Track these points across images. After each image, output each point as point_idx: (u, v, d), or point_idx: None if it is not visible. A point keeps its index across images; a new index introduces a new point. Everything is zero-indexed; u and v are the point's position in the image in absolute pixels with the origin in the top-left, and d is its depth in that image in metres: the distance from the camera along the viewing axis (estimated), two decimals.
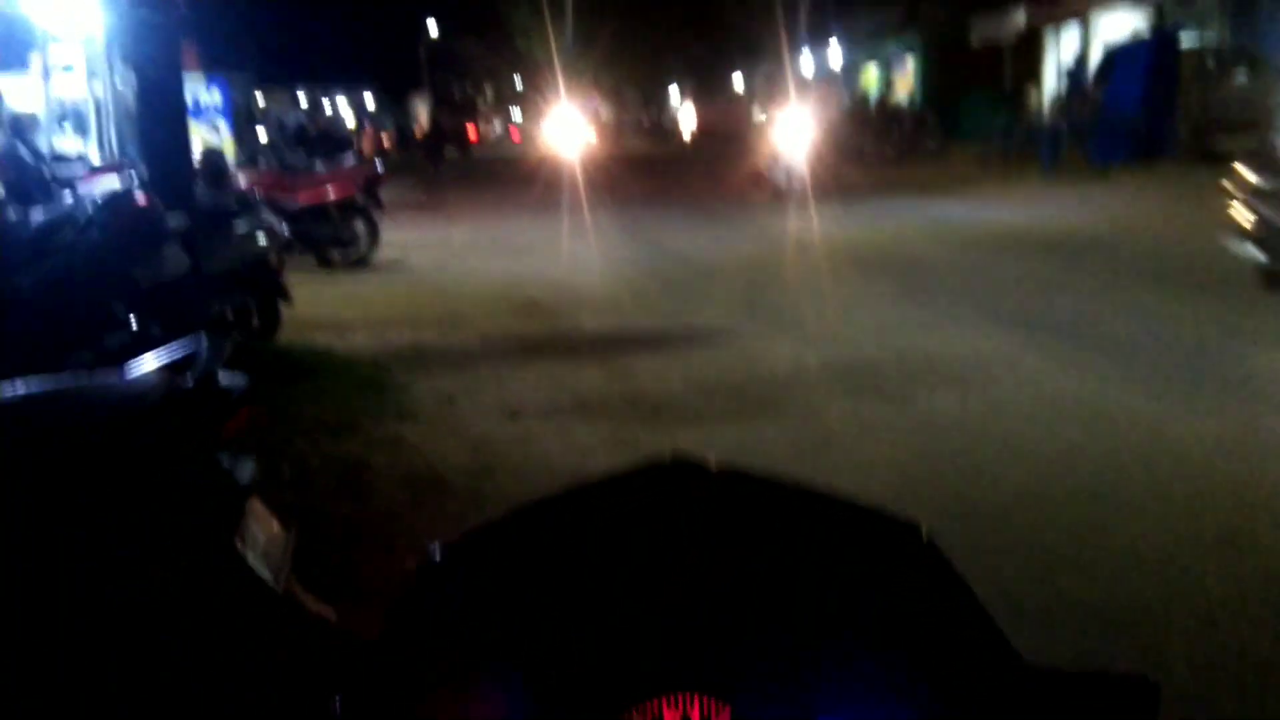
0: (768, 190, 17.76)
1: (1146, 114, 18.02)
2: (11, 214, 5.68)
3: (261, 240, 7.04)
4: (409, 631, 0.66)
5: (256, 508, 2.62)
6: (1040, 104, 23.14)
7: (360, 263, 11.93)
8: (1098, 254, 10.96)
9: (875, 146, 26.74)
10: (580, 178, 21.69)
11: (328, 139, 26.27)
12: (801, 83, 36.14)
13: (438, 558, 0.68)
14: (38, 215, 5.92)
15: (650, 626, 0.65)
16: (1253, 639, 3.22)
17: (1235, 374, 6.19)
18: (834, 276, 10.45)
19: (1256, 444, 5.03)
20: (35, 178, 8.45)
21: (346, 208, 11.95)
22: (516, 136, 52.89)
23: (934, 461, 5.00)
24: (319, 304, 9.15)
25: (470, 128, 45.05)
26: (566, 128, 33.67)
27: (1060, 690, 0.64)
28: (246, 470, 2.63)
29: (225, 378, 2.61)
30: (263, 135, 24.49)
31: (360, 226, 12.03)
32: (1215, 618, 3.38)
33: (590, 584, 0.67)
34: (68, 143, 13.99)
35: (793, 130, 17.85)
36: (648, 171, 27.50)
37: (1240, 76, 18.05)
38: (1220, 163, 16.37)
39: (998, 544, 3.95)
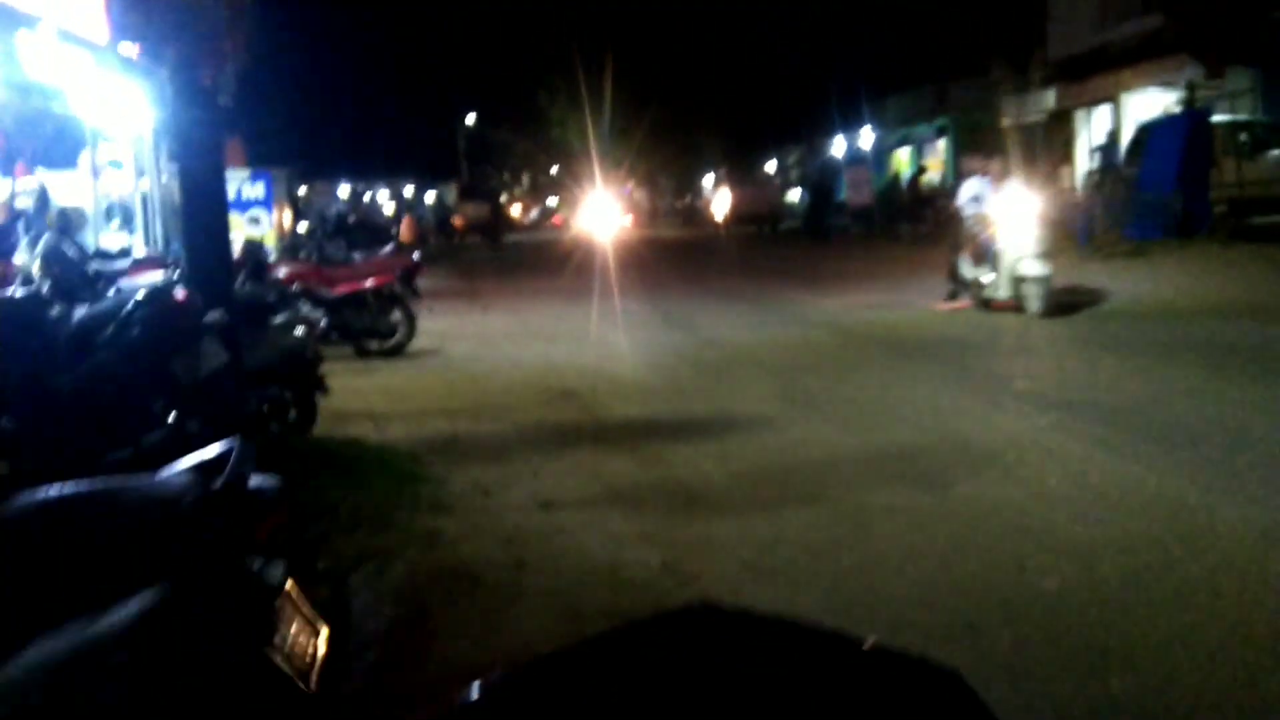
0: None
1: (1181, 191, 17.98)
2: (55, 311, 5.79)
3: (299, 333, 7.13)
4: None
5: (288, 608, 2.61)
6: (1073, 182, 23.19)
7: (397, 351, 12.04)
8: (1138, 330, 10.86)
9: (909, 225, 26.88)
10: (613, 262, 21.90)
11: (366, 228, 26.77)
12: (833, 164, 36.48)
13: (474, 697, 0.67)
14: (80, 311, 6.03)
15: None
16: None
17: (1273, 455, 6.07)
18: (869, 361, 10.41)
19: None
20: (79, 274, 8.64)
21: (384, 297, 12.11)
22: (558, 221, 53.83)
23: (978, 554, 4.90)
24: (355, 394, 9.22)
25: (512, 212, 46.29)
26: (601, 213, 34.10)
27: None
28: (278, 573, 2.63)
29: (257, 479, 2.62)
30: (303, 226, 25.00)
31: (397, 315, 12.17)
32: (1269, 713, 3.26)
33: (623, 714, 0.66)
34: (114, 238, 14.31)
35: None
36: (680, 255, 27.73)
37: (1275, 152, 18.01)
38: (1256, 239, 16.35)
39: (1041, 649, 3.85)
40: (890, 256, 22.23)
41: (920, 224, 26.63)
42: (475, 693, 0.68)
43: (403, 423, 8.41)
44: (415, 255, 15.17)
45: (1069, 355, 10.03)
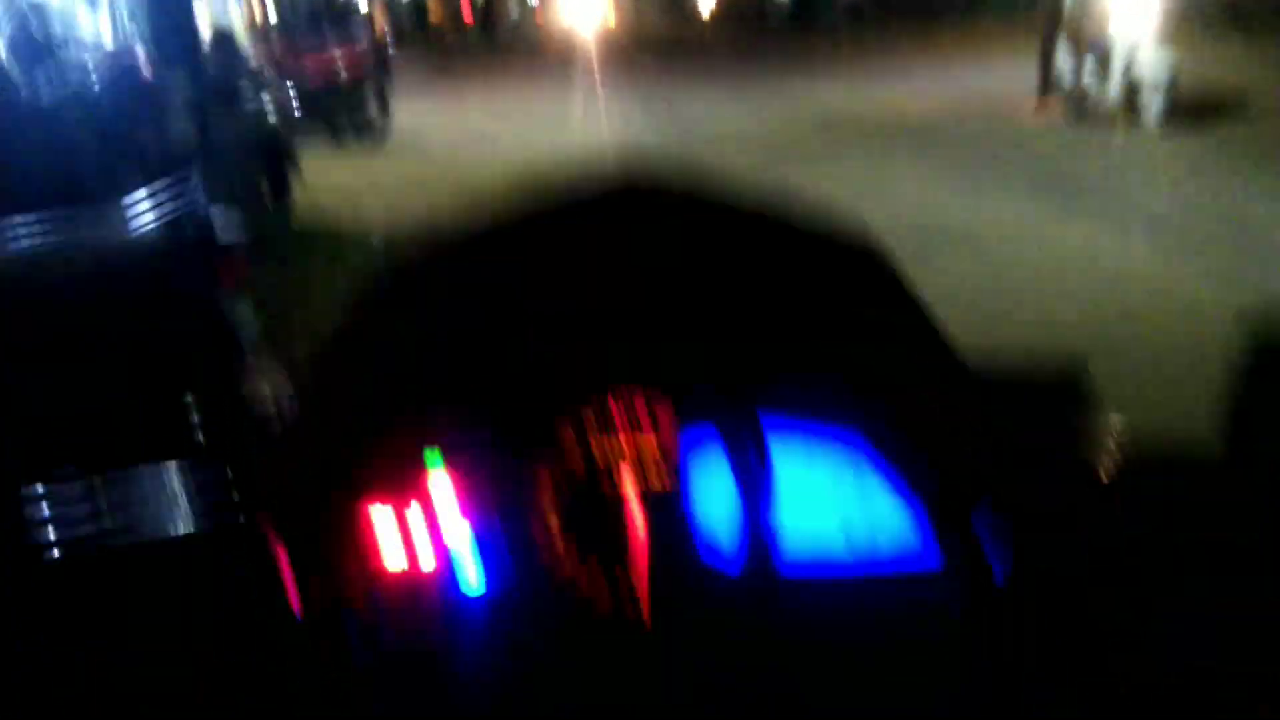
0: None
1: None
2: (23, 93, 5.61)
3: (271, 115, 6.97)
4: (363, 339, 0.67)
5: (263, 364, 2.65)
6: None
7: (372, 139, 11.83)
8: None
9: (897, 16, 26.04)
10: (595, 56, 21.28)
11: (341, 17, 25.76)
12: None
13: (390, 269, 0.68)
14: (48, 93, 5.86)
15: (603, 329, 0.66)
16: None
17: (1257, 241, 6.11)
18: (854, 147, 10.29)
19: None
20: (46, 59, 8.33)
21: (358, 84, 11.80)
22: (539, 19, 51.97)
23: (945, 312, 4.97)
24: (330, 180, 9.10)
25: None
26: (582, 7, 32.92)
27: (1010, 390, 0.65)
28: (252, 328, 2.66)
29: (227, 231, 2.61)
30: (274, 13, 24.07)
31: (373, 103, 11.89)
32: None
33: (549, 290, 0.67)
34: (81, 25, 13.77)
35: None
36: (664, 49, 26.96)
37: None
38: None
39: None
40: (879, 47, 21.61)
41: (910, 14, 25.75)
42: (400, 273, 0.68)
43: (379, 208, 8.33)
44: (390, 42, 14.66)
45: (1056, 140, 9.91)
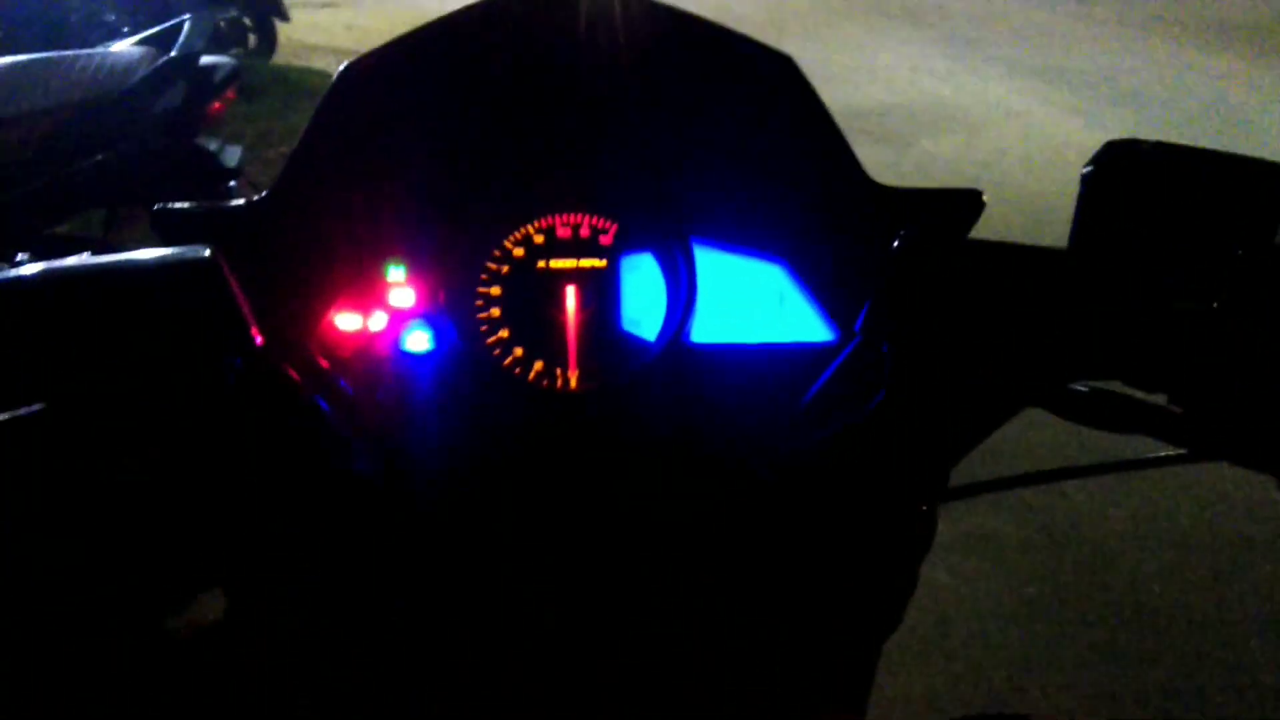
0: None
1: None
2: None
3: None
4: (321, 141, 0.71)
5: (246, 191, 2.67)
6: None
7: None
8: (1121, 6, 10.53)
9: None
10: None
11: None
12: None
13: (345, 74, 0.72)
14: None
15: (543, 143, 0.71)
16: None
17: (1243, 127, 6.10)
18: (851, 21, 10.10)
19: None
20: None
21: None
22: None
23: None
24: (318, 29, 8.91)
25: None
26: None
27: (904, 201, 0.71)
28: (234, 155, 2.66)
29: (211, 59, 2.60)
30: None
31: None
32: None
33: (484, 100, 0.72)
34: None
35: None
36: None
37: None
38: None
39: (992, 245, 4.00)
40: None
41: None
42: (345, 70, 0.72)
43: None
44: None
45: (1058, 22, 9.77)
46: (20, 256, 0.57)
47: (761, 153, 0.71)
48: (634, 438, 0.70)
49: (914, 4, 10.98)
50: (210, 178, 2.50)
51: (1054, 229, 4.55)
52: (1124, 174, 0.55)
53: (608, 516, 0.69)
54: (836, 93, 7.13)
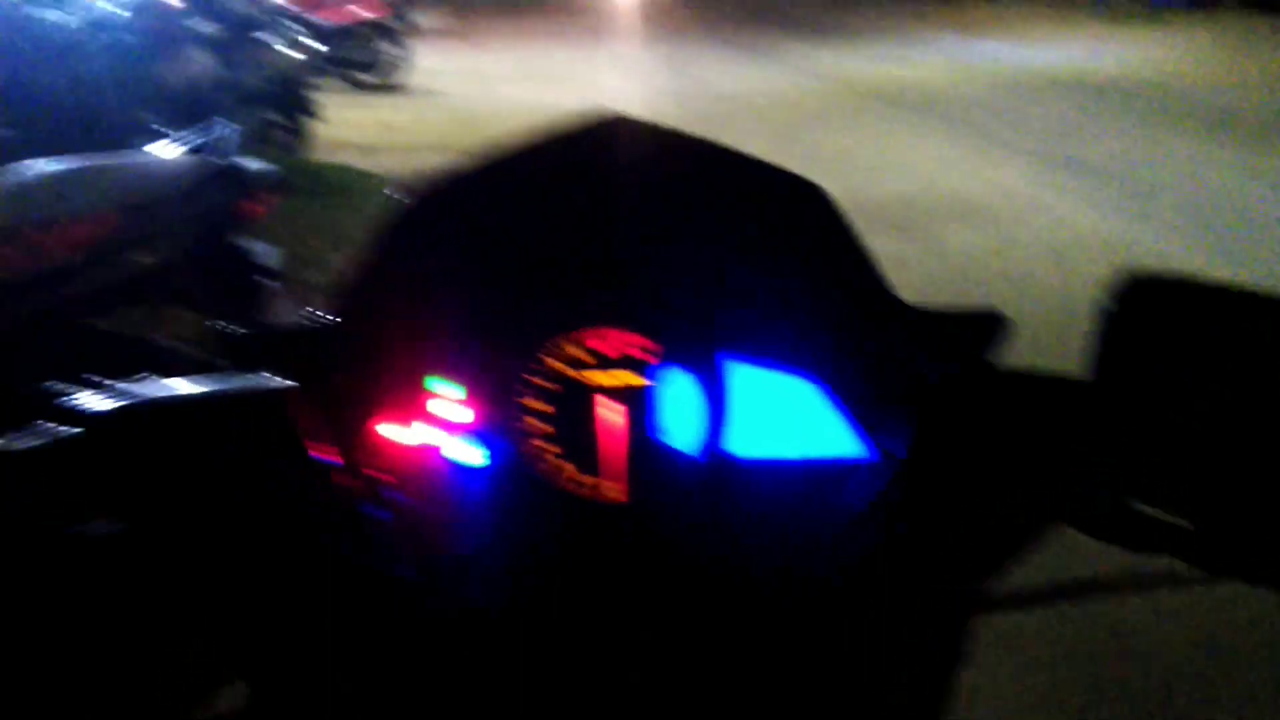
0: None
1: None
2: (47, 15, 5.67)
3: (292, 55, 7.01)
4: (373, 264, 0.76)
5: (284, 293, 2.74)
6: None
7: (389, 87, 11.84)
8: (1142, 100, 10.69)
9: None
10: (615, 7, 21.16)
11: None
12: None
13: (402, 198, 0.77)
14: (72, 19, 5.91)
15: (585, 265, 0.75)
16: None
17: (1259, 220, 6.15)
18: (869, 115, 10.30)
19: (1267, 284, 5.05)
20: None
21: (378, 29, 11.79)
22: None
23: (961, 299, 5.05)
24: (348, 126, 9.15)
25: None
26: None
27: (930, 321, 0.74)
28: (274, 257, 2.74)
29: (255, 165, 2.69)
30: None
31: (392, 49, 11.89)
32: None
33: (529, 226, 0.76)
34: None
35: None
36: (681, 3, 26.72)
37: None
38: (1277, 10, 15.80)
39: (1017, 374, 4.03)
40: (902, 11, 21.46)
41: None
42: (397, 201, 0.77)
43: (395, 155, 8.39)
44: None
45: (1071, 118, 9.92)
46: (92, 378, 0.62)
47: (794, 275, 0.75)
48: (677, 548, 0.73)
49: (932, 97, 11.19)
50: (249, 277, 2.57)
51: (1077, 324, 4.58)
52: (1143, 307, 0.58)
53: (648, 623, 0.71)
54: (858, 184, 7.25)
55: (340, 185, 6.96)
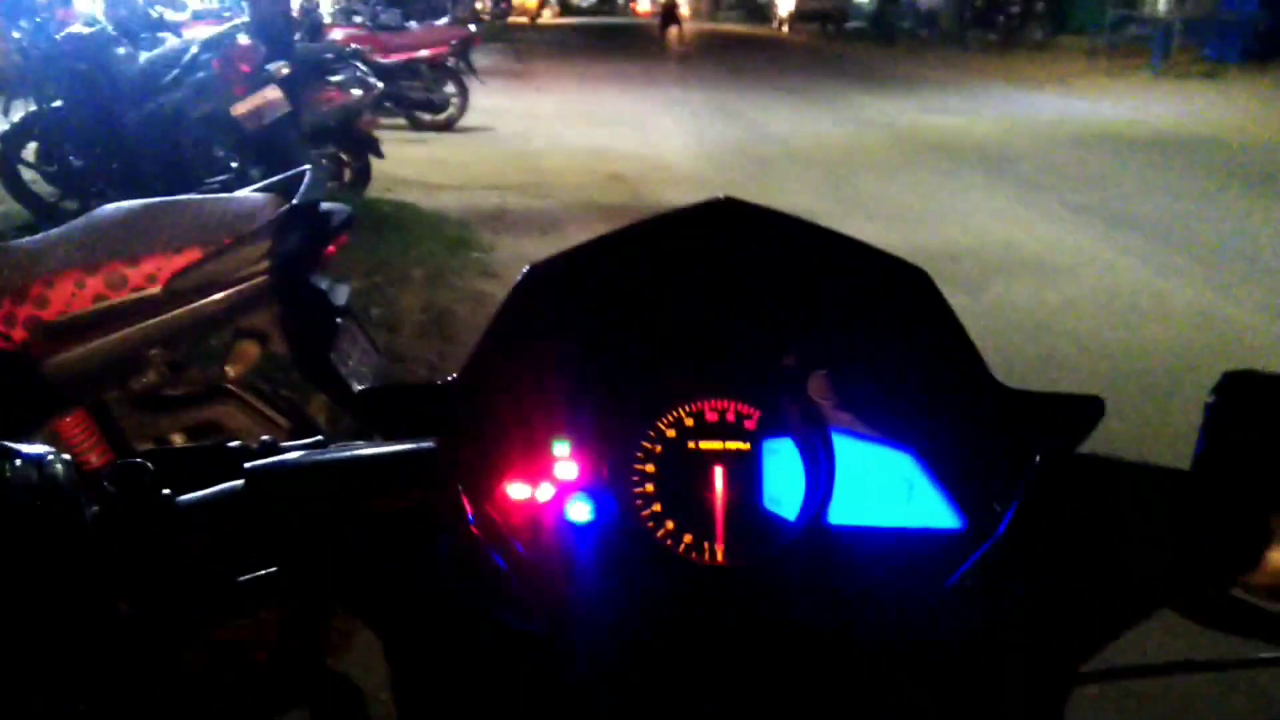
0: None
1: (1266, 10, 17.15)
2: (122, 50, 5.87)
3: (356, 93, 7.18)
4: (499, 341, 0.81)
5: (351, 329, 2.81)
6: None
7: (448, 126, 12.05)
8: (1198, 155, 10.63)
9: (979, 33, 25.92)
10: (671, 54, 21.40)
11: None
12: None
13: (528, 275, 0.82)
14: (145, 55, 6.11)
15: (698, 339, 0.80)
16: None
17: None
18: (921, 165, 10.33)
19: None
20: (143, 18, 8.65)
21: (438, 68, 12.03)
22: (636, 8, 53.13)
23: (1006, 351, 5.05)
24: (407, 163, 9.33)
25: None
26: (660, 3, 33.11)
27: (1029, 404, 0.78)
28: (343, 294, 2.82)
29: (328, 205, 2.78)
30: None
31: (451, 88, 12.12)
32: None
33: (647, 302, 0.81)
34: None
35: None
36: (738, 51, 26.94)
37: None
38: None
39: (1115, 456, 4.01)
40: (959, 63, 21.54)
41: (991, 31, 25.66)
42: (526, 276, 0.82)
43: (453, 193, 8.54)
44: (472, 28, 14.87)
45: (1125, 172, 9.89)
46: (265, 438, 0.67)
47: (894, 353, 0.79)
48: (776, 610, 0.77)
49: (987, 150, 11.20)
50: (323, 315, 2.65)
51: (1133, 380, 4.56)
52: (1244, 405, 0.62)
53: (751, 686, 0.75)
54: (909, 234, 7.27)
55: (399, 222, 7.10)
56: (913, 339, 0.79)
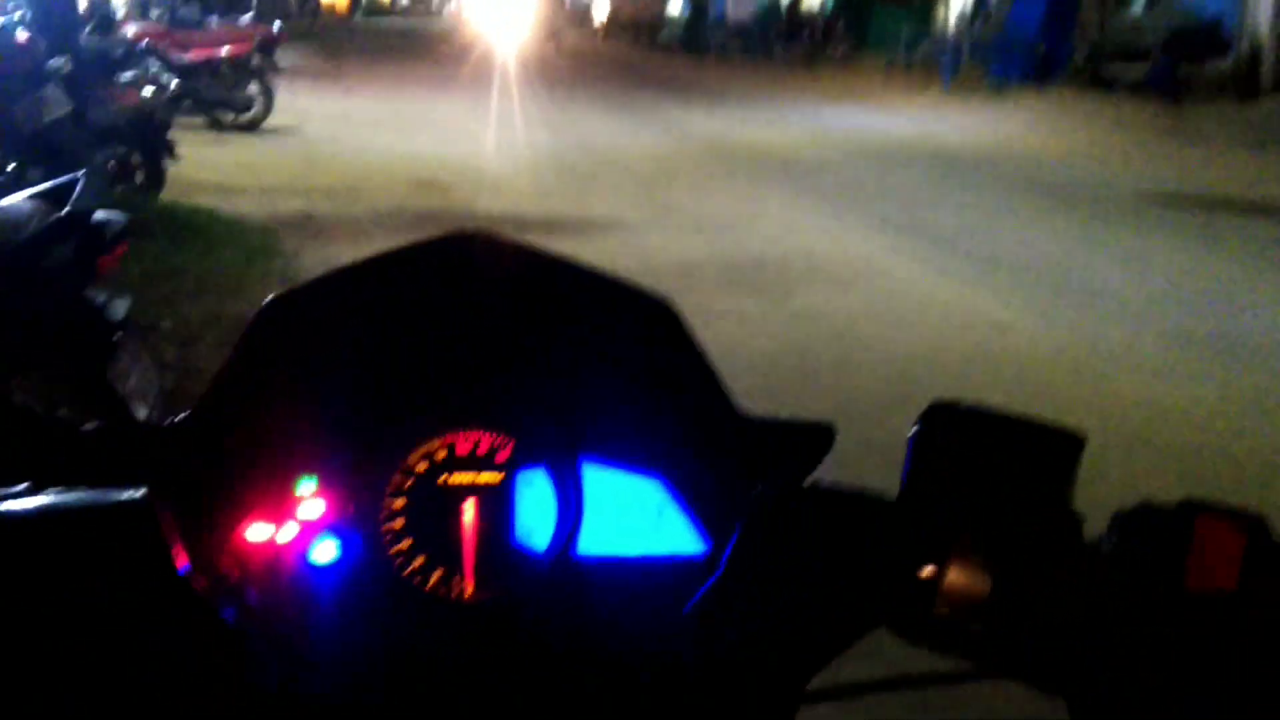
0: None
1: (1046, 36, 18.41)
2: None
3: (148, 92, 6.84)
4: (235, 374, 0.78)
5: (131, 346, 2.68)
6: (947, 20, 23.40)
7: (252, 127, 11.62)
8: (983, 169, 11.30)
9: (784, 47, 26.83)
10: (490, 62, 21.28)
11: None
12: None
13: (269, 306, 0.80)
14: None
15: (446, 371, 0.80)
16: None
17: (1092, 288, 6.57)
18: (730, 176, 10.61)
19: (1093, 352, 5.40)
20: None
21: (240, 67, 11.59)
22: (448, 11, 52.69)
23: (805, 356, 5.23)
24: (206, 166, 8.94)
25: None
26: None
27: (766, 432, 0.82)
28: (121, 308, 2.68)
29: (102, 214, 2.64)
30: None
31: (254, 88, 11.69)
32: None
33: (394, 334, 0.80)
34: None
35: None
36: (554, 62, 27.02)
37: (1137, 6, 18.48)
38: (1109, 89, 16.97)
39: (860, 434, 4.18)
40: (766, 76, 22.22)
41: (795, 47, 26.65)
42: (255, 313, 0.80)
43: (255, 198, 8.23)
44: (276, 26, 14.38)
45: (919, 185, 10.41)
46: None
47: (642, 381, 0.81)
48: (525, 643, 0.77)
49: (792, 163, 11.58)
50: (98, 332, 2.51)
51: (918, 385, 4.81)
52: (942, 436, 0.66)
53: (499, 717, 0.75)
54: (715, 245, 7.46)
55: (196, 228, 6.79)
56: (658, 368, 0.81)
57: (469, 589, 0.78)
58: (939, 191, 10.00)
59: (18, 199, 2.58)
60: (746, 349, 5.21)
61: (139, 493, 0.60)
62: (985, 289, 6.48)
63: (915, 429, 0.67)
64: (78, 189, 2.57)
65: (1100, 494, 0.68)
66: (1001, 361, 5.21)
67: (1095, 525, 0.64)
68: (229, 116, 11.53)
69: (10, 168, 5.15)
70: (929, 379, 4.92)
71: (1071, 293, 6.42)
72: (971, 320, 5.87)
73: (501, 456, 0.80)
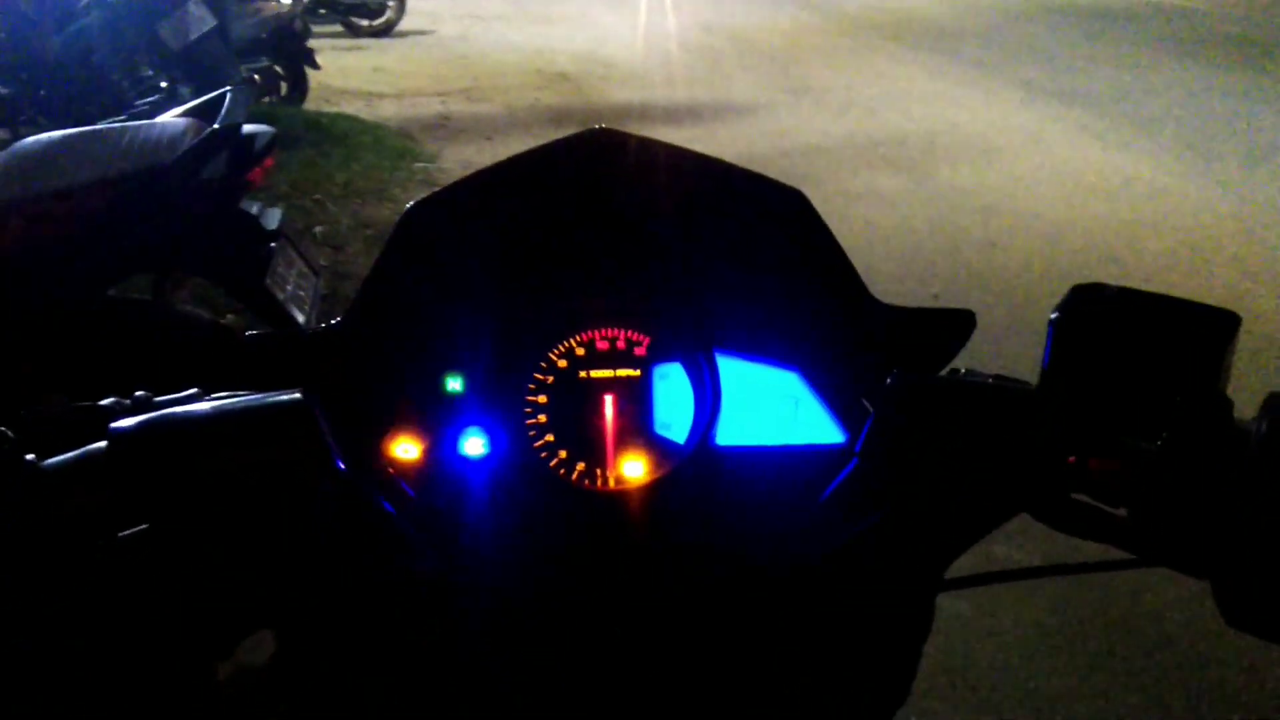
0: None
1: None
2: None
3: (286, 3, 6.97)
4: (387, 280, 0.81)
5: (285, 253, 2.78)
6: None
7: (386, 31, 11.73)
8: (1147, 25, 10.58)
9: None
10: None
11: None
12: None
13: (412, 210, 0.82)
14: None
15: (583, 269, 0.81)
16: None
17: (1261, 149, 6.15)
18: (871, 49, 10.22)
19: (1261, 216, 5.07)
20: None
21: None
22: None
23: (951, 234, 5.08)
24: (346, 73, 9.11)
25: None
26: None
27: (907, 320, 0.80)
28: (274, 218, 2.78)
29: (251, 127, 2.72)
30: None
31: None
32: None
33: (530, 235, 0.82)
34: None
35: None
36: None
37: None
38: None
39: (1003, 315, 4.08)
40: None
41: None
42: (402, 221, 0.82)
43: (394, 102, 8.36)
44: None
45: (1070, 45, 9.84)
46: (139, 394, 0.67)
47: (777, 274, 0.80)
48: (665, 531, 0.79)
49: (933, 30, 11.08)
50: (254, 242, 2.62)
51: (1070, 258, 4.61)
52: (1086, 320, 0.64)
53: (641, 603, 0.78)
54: (856, 121, 7.24)
55: (339, 135, 6.96)
56: (792, 259, 0.81)
57: (611, 479, 0.80)
58: (1094, 52, 9.42)
59: (171, 116, 2.68)
60: (889, 229, 5.08)
61: (297, 395, 0.64)
62: (1146, 157, 6.13)
63: (1055, 314, 0.65)
64: (226, 104, 2.65)
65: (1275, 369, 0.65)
66: (1163, 229, 4.95)
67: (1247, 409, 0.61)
68: (364, 23, 11.66)
69: (163, 85, 5.35)
70: (1082, 254, 4.72)
71: (1245, 158, 6.02)
72: (1129, 189, 5.57)
73: (639, 351, 0.81)
